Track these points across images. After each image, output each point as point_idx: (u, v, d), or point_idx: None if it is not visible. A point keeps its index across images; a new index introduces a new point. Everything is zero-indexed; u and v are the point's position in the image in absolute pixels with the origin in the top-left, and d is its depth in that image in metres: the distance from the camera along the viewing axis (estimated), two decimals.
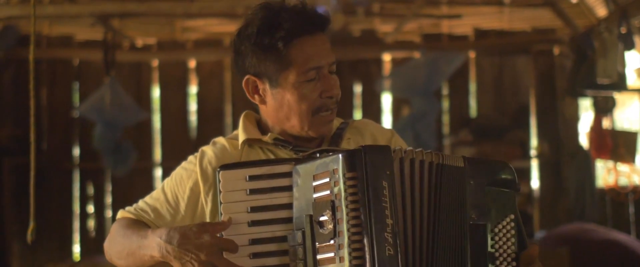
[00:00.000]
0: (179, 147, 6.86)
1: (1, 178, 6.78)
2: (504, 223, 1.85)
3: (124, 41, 6.93)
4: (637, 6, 5.57)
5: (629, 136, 6.33)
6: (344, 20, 5.75)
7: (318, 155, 1.84)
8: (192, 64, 7.18)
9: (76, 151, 7.10)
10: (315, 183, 1.79)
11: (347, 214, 1.69)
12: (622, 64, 5.78)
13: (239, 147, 2.06)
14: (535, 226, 6.76)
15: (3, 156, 6.69)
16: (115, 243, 2.06)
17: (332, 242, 1.71)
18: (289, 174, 1.85)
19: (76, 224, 7.07)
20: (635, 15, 5.59)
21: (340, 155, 1.74)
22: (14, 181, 6.75)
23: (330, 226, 1.71)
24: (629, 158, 6.22)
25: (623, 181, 6.31)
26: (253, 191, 1.86)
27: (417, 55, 6.54)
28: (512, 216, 1.86)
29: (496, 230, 1.83)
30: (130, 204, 2.17)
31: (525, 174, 6.91)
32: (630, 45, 5.56)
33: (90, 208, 7.12)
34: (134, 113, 6.44)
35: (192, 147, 5.45)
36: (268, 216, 1.84)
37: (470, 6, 6.66)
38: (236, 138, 2.10)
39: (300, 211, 1.80)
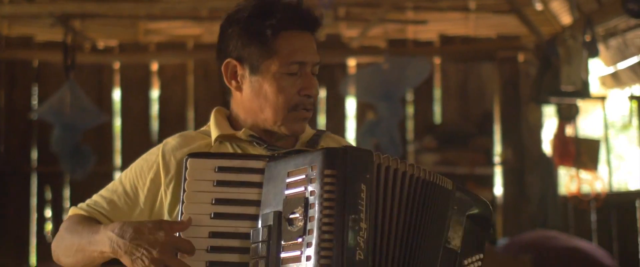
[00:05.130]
0: (140, 151, 6.59)
1: None
2: (473, 259, 1.84)
3: (86, 43, 6.80)
4: (601, 14, 5.61)
5: (592, 144, 6.37)
6: None
7: (294, 154, 1.76)
8: (155, 66, 7.08)
9: (34, 154, 6.96)
10: (289, 180, 1.70)
11: (320, 212, 1.61)
12: (586, 71, 5.82)
13: (211, 143, 1.97)
14: (498, 232, 6.76)
15: None
16: (64, 240, 1.94)
17: (299, 240, 1.63)
18: (261, 171, 1.76)
19: (33, 229, 6.91)
20: (599, 23, 5.63)
21: (321, 151, 1.67)
22: None
23: (301, 224, 1.63)
24: (592, 166, 6.25)
25: (585, 189, 6.33)
26: (220, 183, 1.76)
27: (382, 60, 6.48)
28: (481, 256, 1.85)
29: (465, 262, 1.82)
30: None
31: (489, 181, 6.91)
32: (594, 53, 5.60)
33: (48, 212, 6.98)
34: (94, 116, 6.32)
35: None
36: (233, 210, 1.74)
37: (435, 12, 6.65)
38: (208, 134, 2.01)
39: (268, 207, 1.71)
